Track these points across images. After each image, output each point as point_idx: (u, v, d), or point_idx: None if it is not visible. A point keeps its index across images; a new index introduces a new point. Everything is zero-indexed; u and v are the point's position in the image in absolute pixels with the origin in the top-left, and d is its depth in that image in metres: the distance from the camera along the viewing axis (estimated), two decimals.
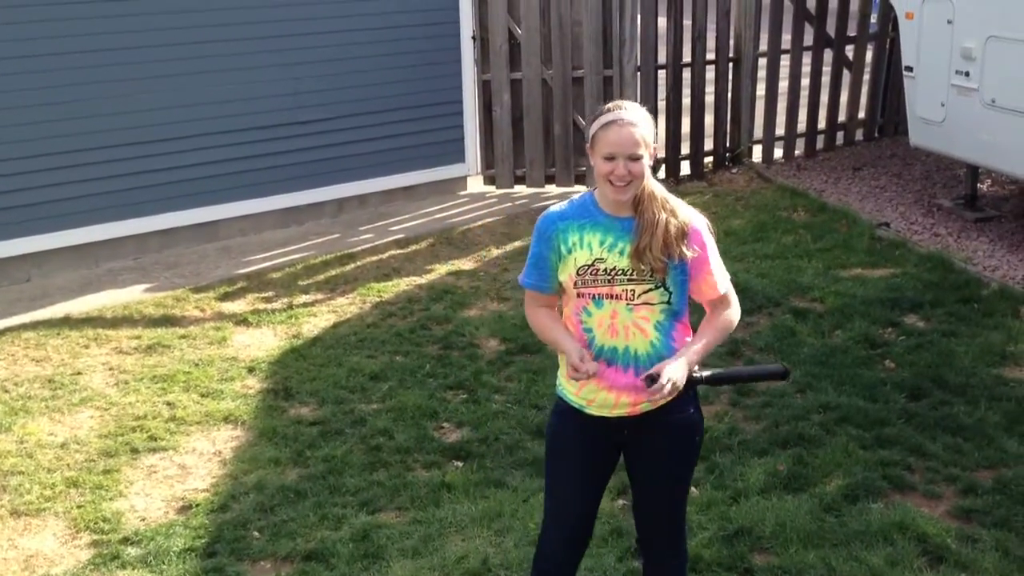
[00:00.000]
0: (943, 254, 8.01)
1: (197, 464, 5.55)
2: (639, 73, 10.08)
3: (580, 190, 10.22)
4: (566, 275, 3.21)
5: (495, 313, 7.39)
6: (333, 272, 8.32)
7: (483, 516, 4.93)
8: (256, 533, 4.89)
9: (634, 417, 3.26)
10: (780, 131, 10.97)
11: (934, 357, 6.30)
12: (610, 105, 3.23)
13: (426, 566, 4.56)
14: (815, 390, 6.00)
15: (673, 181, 10.42)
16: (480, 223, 9.45)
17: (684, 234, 3.17)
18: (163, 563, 4.64)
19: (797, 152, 11.11)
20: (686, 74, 10.46)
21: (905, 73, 9.26)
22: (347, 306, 7.64)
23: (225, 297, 7.82)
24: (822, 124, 11.23)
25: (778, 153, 11.03)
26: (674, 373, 3.07)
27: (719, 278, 3.31)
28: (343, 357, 6.75)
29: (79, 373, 6.54)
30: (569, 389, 3.32)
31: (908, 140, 9.55)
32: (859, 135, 11.53)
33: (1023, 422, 5.54)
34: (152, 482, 5.38)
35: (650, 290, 3.16)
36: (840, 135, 11.40)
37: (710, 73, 10.52)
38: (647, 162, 3.15)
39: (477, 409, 6.00)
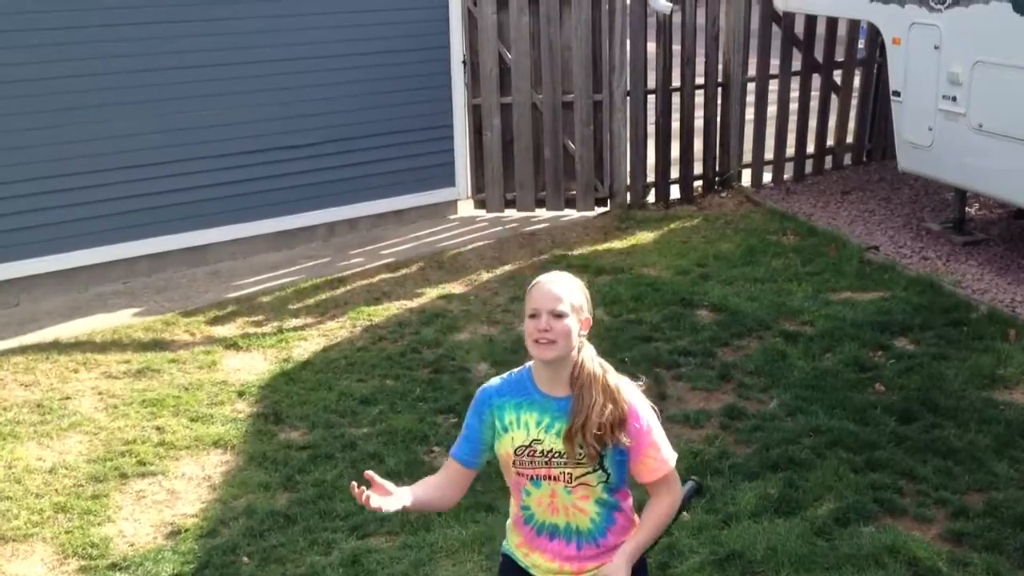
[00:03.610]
0: (932, 277, 8.04)
1: (186, 489, 5.52)
2: (628, 98, 10.13)
3: (570, 214, 10.27)
4: (503, 452, 3.10)
5: (485, 337, 7.39)
6: (323, 296, 8.31)
7: (474, 540, 4.91)
8: (245, 559, 4.86)
9: None
10: (769, 155, 11.03)
11: (924, 380, 6.31)
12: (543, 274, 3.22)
13: None
14: (805, 413, 6.01)
15: (663, 205, 10.46)
16: (470, 247, 9.46)
17: (622, 420, 3.03)
18: None
19: (786, 176, 11.16)
20: (675, 99, 10.51)
21: (893, 98, 9.33)
22: (337, 330, 7.63)
23: (215, 321, 7.80)
24: (811, 148, 11.29)
25: (767, 177, 11.08)
26: (620, 573, 3.03)
27: (658, 462, 3.10)
28: (333, 381, 6.73)
29: (68, 398, 6.51)
30: (517, 554, 3.24)
31: (896, 164, 9.61)
32: (847, 159, 11.59)
33: (1013, 445, 5.55)
34: (141, 507, 5.34)
35: (587, 473, 3.06)
36: (829, 159, 11.46)
37: (699, 98, 10.58)
38: (574, 325, 3.00)
39: None
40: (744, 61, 10.64)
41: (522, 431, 3.07)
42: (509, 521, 3.29)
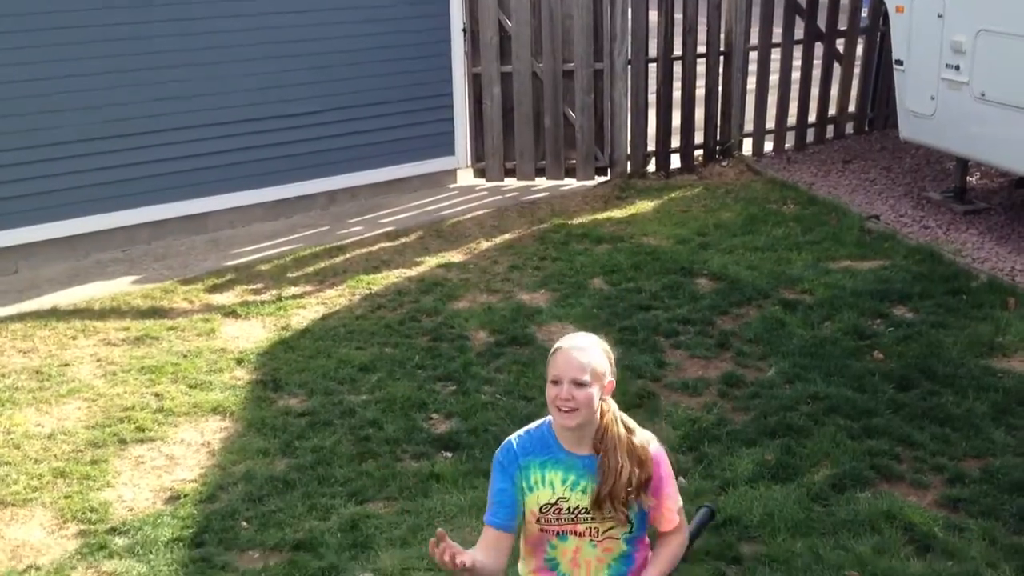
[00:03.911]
0: (932, 246, 8.03)
1: (185, 455, 5.54)
2: (629, 66, 10.07)
3: (570, 183, 10.24)
4: (528, 511, 3.08)
5: (484, 305, 7.39)
6: (322, 264, 8.31)
7: (472, 506, 4.93)
8: (244, 523, 4.88)
9: None
10: (770, 124, 10.97)
11: (922, 348, 6.31)
12: (567, 335, 3.14)
13: (415, 555, 4.56)
14: (804, 381, 6.01)
15: (663, 174, 10.42)
16: (470, 216, 9.44)
17: (647, 481, 3.05)
18: (151, 553, 4.63)
19: (787, 145, 11.11)
20: (677, 67, 10.45)
21: (895, 67, 9.27)
22: (336, 298, 7.63)
23: (214, 289, 7.80)
24: (812, 117, 11.23)
25: (768, 146, 11.03)
26: None
27: (674, 513, 3.15)
28: (332, 349, 6.73)
29: (67, 364, 6.52)
30: None
31: (898, 133, 9.56)
32: (849, 128, 11.53)
33: (1011, 412, 5.56)
34: (140, 472, 5.36)
35: (613, 527, 3.08)
36: (830, 128, 11.40)
37: (700, 67, 10.51)
38: (596, 393, 2.98)
39: (466, 400, 6.00)
40: (746, 30, 10.57)
41: (547, 489, 3.04)
42: (523, 566, 3.20)
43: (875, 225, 8.63)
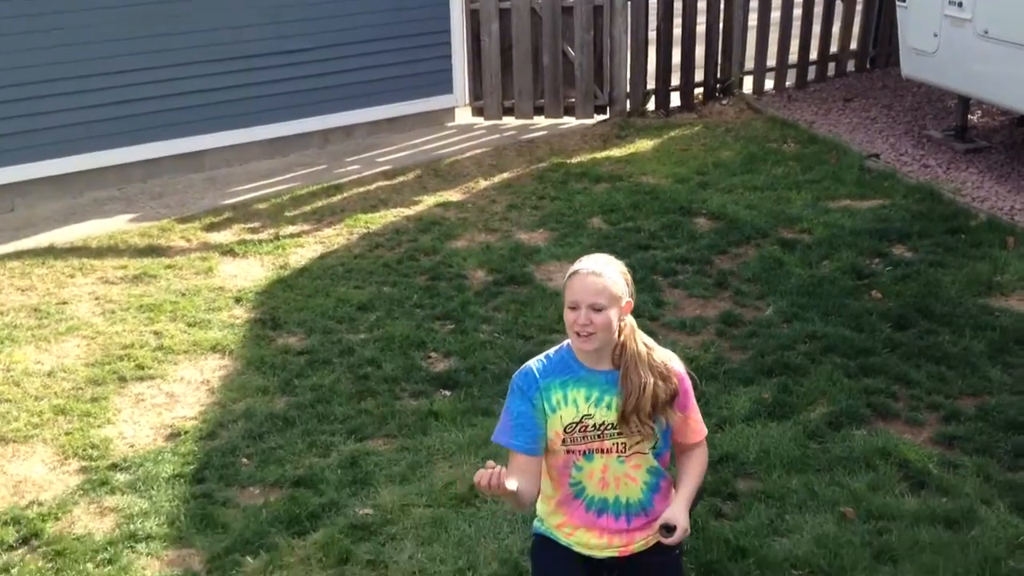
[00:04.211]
0: (932, 185, 8.00)
1: (185, 392, 5.56)
2: (629, 3, 9.94)
3: (569, 122, 10.17)
4: (552, 433, 3.05)
5: (483, 244, 7.37)
6: (320, 203, 8.27)
7: (470, 443, 4.96)
8: (245, 460, 4.92)
9: (624, 558, 3.13)
10: (771, 62, 10.86)
11: (920, 287, 6.32)
12: (583, 256, 3.12)
13: (414, 492, 4.60)
14: (801, 320, 6.02)
15: (663, 113, 10.34)
16: (468, 155, 9.38)
17: (674, 395, 3.05)
18: (152, 488, 4.67)
19: (788, 83, 11.01)
20: (677, 4, 10.31)
21: (898, 4, 9.15)
22: (334, 237, 7.61)
23: (211, 227, 7.77)
24: (814, 55, 11.11)
25: (769, 84, 10.93)
26: (685, 520, 3.00)
27: (700, 424, 3.18)
28: (330, 288, 6.73)
29: (65, 302, 6.52)
30: (557, 533, 3.16)
31: (899, 71, 9.48)
32: (850, 66, 11.42)
33: (1007, 351, 5.57)
34: (140, 410, 5.39)
35: (640, 441, 3.05)
36: (831, 66, 11.30)
37: (701, 3, 10.38)
38: (614, 315, 2.98)
39: (465, 339, 6.01)
40: None
41: (571, 408, 3.02)
42: (543, 505, 3.20)
43: (875, 164, 8.59)
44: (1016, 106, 8.34)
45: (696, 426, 3.16)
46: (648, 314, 6.12)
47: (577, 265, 3.05)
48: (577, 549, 3.14)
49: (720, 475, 4.60)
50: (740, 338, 5.91)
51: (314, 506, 4.50)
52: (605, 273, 3.00)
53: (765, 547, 4.11)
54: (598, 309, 2.95)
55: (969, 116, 9.29)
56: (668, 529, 2.95)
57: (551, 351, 3.13)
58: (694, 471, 3.13)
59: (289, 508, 4.48)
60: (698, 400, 5.16)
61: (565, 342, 3.13)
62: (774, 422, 5.02)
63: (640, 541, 3.11)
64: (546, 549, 3.20)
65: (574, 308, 2.97)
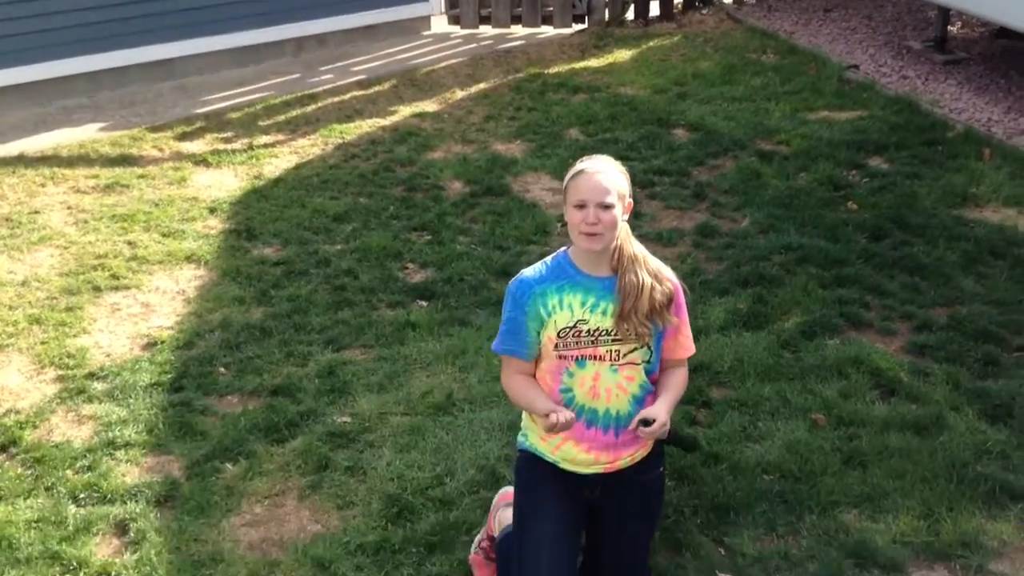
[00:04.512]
0: (911, 96, 7.97)
1: (161, 302, 5.54)
2: None
3: (546, 31, 10.02)
4: (546, 338, 3.03)
5: (459, 155, 7.31)
6: (294, 113, 8.16)
7: (447, 353, 4.99)
8: (222, 369, 4.92)
9: (609, 475, 3.12)
10: None
11: (896, 199, 6.33)
12: (584, 157, 3.09)
13: (391, 400, 4.63)
14: (777, 231, 6.04)
15: (642, 23, 10.21)
16: (444, 64, 9.25)
17: (670, 300, 3.05)
18: (130, 397, 4.68)
19: None
20: None
21: None
22: (309, 147, 7.53)
23: (183, 137, 7.67)
24: None
25: None
26: (665, 416, 3.00)
27: (689, 340, 3.19)
28: (306, 198, 6.68)
29: (37, 212, 6.45)
30: (543, 448, 3.15)
31: None
32: None
33: (981, 261, 5.62)
34: (116, 319, 5.37)
35: (635, 350, 3.04)
36: None
37: None
38: (620, 214, 2.99)
39: (441, 250, 6.00)
40: None
41: (566, 312, 3.02)
42: (527, 418, 3.20)
43: (854, 75, 8.54)
44: (994, 17, 8.28)
45: (686, 341, 3.17)
46: None
47: (580, 165, 3.04)
48: (563, 466, 3.13)
49: (695, 383, 4.63)
50: (716, 249, 5.93)
51: (292, 414, 4.52)
52: (611, 171, 3.01)
53: (737, 453, 4.17)
54: (606, 207, 2.95)
55: (948, 27, 9.22)
56: (646, 423, 2.97)
57: (547, 259, 3.13)
58: (676, 384, 3.15)
59: (267, 416, 4.50)
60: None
61: (561, 250, 3.13)
62: (749, 332, 5.06)
63: (626, 458, 3.12)
64: (532, 467, 3.19)
65: (581, 207, 2.96)
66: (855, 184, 6.62)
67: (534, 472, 3.19)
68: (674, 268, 5.51)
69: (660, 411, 3.00)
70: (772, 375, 4.70)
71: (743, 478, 4.02)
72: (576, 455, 3.10)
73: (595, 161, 3.06)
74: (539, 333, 3.06)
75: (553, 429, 2.93)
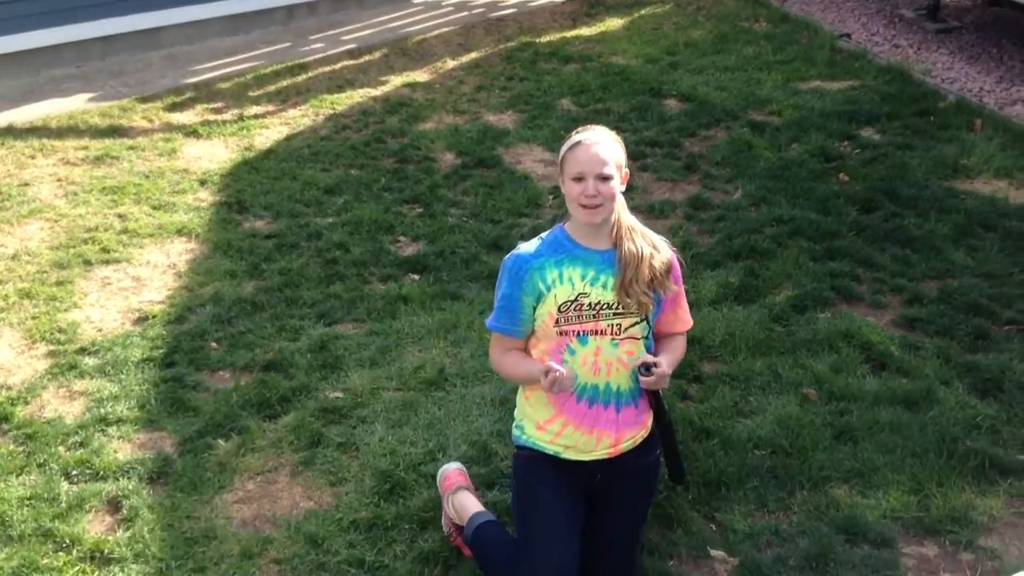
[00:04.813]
0: (903, 66, 7.94)
1: (152, 276, 5.52)
2: None
3: None
4: (546, 313, 2.99)
5: (451, 126, 7.28)
6: (284, 83, 8.11)
7: (439, 327, 4.99)
8: (214, 344, 4.92)
9: (610, 460, 3.11)
10: None
11: (887, 170, 6.33)
12: (579, 128, 3.06)
13: (383, 375, 4.63)
14: (769, 203, 6.03)
15: None
16: (435, 33, 9.19)
17: (669, 269, 3.05)
18: (121, 372, 4.67)
19: None
20: None
21: None
22: (300, 118, 7.48)
23: (173, 107, 7.61)
24: None
25: None
26: (666, 367, 2.99)
27: (687, 312, 3.20)
28: (297, 170, 6.65)
29: (26, 184, 6.41)
30: (542, 438, 3.12)
31: None
32: None
33: (972, 234, 5.62)
34: (107, 294, 5.35)
35: (636, 324, 3.01)
36: None
37: None
38: (618, 185, 2.97)
39: (433, 223, 5.99)
40: None
41: (566, 286, 2.99)
42: (528, 406, 3.16)
43: (846, 44, 8.51)
44: None
45: (684, 315, 3.20)
46: None
47: (577, 136, 3.01)
48: (566, 456, 3.11)
49: (686, 358, 4.57)
50: (708, 222, 5.92)
51: (284, 389, 4.52)
52: (608, 142, 2.99)
53: (729, 428, 4.19)
54: (605, 178, 2.93)
55: None
56: (647, 368, 2.97)
57: (543, 234, 3.11)
58: (676, 348, 3.19)
59: (259, 392, 4.50)
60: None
61: (556, 226, 3.11)
62: (740, 305, 5.07)
63: (628, 440, 3.12)
64: (530, 468, 3.15)
65: (580, 179, 2.94)
66: (847, 155, 6.61)
67: (533, 473, 3.16)
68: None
69: (663, 361, 3.02)
70: (763, 349, 4.71)
71: (734, 453, 4.04)
72: (579, 440, 3.08)
73: (591, 132, 3.03)
74: (535, 310, 3.03)
75: (555, 386, 2.89)
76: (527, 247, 3.08)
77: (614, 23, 9.26)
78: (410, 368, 4.67)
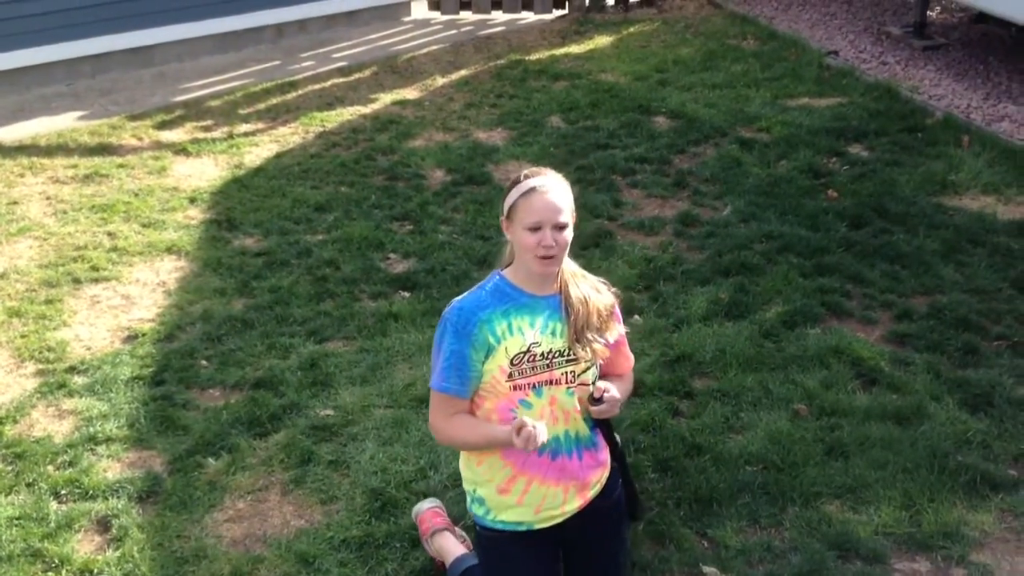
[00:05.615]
0: (890, 83, 7.99)
1: (141, 294, 5.51)
2: None
3: (527, 17, 10.00)
4: (496, 368, 2.83)
5: (441, 144, 7.29)
6: (274, 100, 8.12)
7: (430, 345, 4.86)
8: (204, 362, 4.90)
9: (581, 511, 2.97)
10: None
11: (876, 186, 6.36)
12: (527, 172, 2.88)
13: (374, 393, 4.62)
14: (758, 220, 6.05)
15: (622, 8, 10.19)
16: (425, 51, 9.21)
17: (611, 311, 2.95)
18: (111, 391, 4.65)
19: None
20: None
21: None
22: (290, 136, 7.49)
23: (163, 125, 7.61)
24: None
25: None
26: (618, 393, 2.87)
27: (629, 350, 3.11)
28: (287, 188, 6.65)
29: (15, 202, 6.39)
30: (507, 503, 2.94)
31: None
32: None
33: (960, 250, 5.65)
34: (96, 312, 5.34)
35: (587, 369, 2.90)
36: None
37: None
38: (571, 233, 2.83)
39: (423, 240, 5.99)
40: None
41: (517, 337, 2.83)
42: (478, 472, 2.97)
43: (834, 61, 8.55)
44: (973, 2, 8.32)
45: (627, 352, 3.11)
46: (606, 214, 6.12)
47: (529, 183, 2.84)
48: (539, 526, 2.95)
49: (677, 374, 4.66)
50: (698, 238, 5.93)
51: (275, 407, 4.51)
52: (561, 188, 2.85)
53: (720, 444, 4.19)
54: (561, 227, 2.80)
55: (928, 12, 9.25)
56: (597, 400, 2.84)
57: (485, 283, 2.94)
58: (625, 380, 3.11)
59: (250, 410, 4.49)
60: (656, 300, 5.25)
61: (494, 273, 2.95)
62: (730, 322, 5.08)
63: (595, 485, 2.99)
64: (503, 555, 3.01)
65: (536, 229, 2.78)
66: (835, 172, 6.64)
67: (504, 559, 3.02)
68: (656, 257, 5.62)
69: (612, 386, 2.87)
70: (754, 365, 4.71)
71: (726, 469, 4.04)
72: (545, 492, 2.92)
73: (544, 177, 2.86)
74: (483, 365, 2.86)
75: (531, 443, 2.68)
76: (467, 298, 2.91)
77: (603, 41, 9.30)
78: (401, 385, 4.66)
